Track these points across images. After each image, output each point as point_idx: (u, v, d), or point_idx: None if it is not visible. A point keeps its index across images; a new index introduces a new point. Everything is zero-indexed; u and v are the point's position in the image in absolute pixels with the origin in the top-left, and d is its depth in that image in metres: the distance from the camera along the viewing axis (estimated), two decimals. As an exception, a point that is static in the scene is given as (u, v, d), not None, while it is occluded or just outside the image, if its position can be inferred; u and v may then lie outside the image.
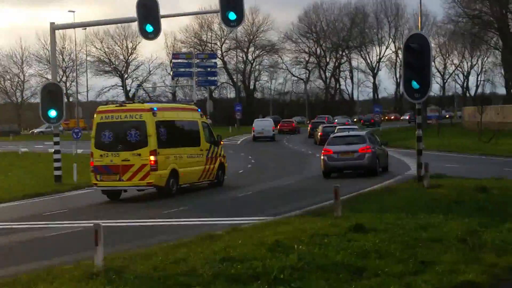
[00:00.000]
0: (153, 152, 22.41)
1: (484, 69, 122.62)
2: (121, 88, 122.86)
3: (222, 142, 27.89)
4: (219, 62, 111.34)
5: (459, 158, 38.38)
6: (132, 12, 20.10)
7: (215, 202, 22.13)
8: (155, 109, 23.12)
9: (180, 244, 12.90)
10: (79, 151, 48.43)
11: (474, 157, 39.35)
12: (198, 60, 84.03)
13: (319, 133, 55.48)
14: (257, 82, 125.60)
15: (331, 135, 32.99)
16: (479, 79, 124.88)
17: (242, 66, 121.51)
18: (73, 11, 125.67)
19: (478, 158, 38.60)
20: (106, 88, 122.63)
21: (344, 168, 28.44)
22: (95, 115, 23.45)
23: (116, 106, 23.48)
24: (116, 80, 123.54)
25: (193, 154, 24.94)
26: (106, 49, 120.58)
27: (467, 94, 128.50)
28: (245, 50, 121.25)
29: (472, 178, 23.52)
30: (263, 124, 67.79)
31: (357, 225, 13.29)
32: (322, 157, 28.20)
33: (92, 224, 11.18)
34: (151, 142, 22.45)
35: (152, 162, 22.35)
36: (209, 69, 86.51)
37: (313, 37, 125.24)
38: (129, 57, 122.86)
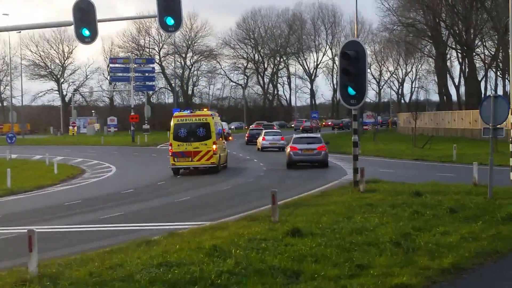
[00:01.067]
0: (214, 143, 33.69)
1: (418, 76, 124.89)
2: (57, 92, 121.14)
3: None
4: (157, 67, 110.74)
5: (395, 163, 39.00)
6: (68, 16, 19.83)
7: (152, 207, 21.97)
8: (213, 114, 35.77)
9: (116, 249, 12.77)
10: (13, 156, 47.48)
11: (409, 162, 40.05)
12: (135, 65, 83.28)
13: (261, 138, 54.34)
14: (195, 88, 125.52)
15: (295, 136, 38.00)
16: (413, 86, 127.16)
17: (180, 71, 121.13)
18: (7, 14, 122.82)
19: (413, 163, 39.29)
20: (41, 92, 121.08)
21: (305, 161, 35.42)
22: (172, 119, 34.64)
23: (187, 113, 35.78)
24: (52, 84, 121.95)
25: (222, 145, 36.55)
26: (42, 53, 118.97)
27: (402, 101, 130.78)
28: (183, 55, 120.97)
29: (407, 183, 23.92)
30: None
31: (294, 230, 13.38)
32: (288, 152, 35.33)
33: (26, 230, 10.98)
34: (213, 136, 33.73)
35: (214, 149, 33.68)
36: (147, 74, 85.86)
37: (251, 43, 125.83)
38: (66, 61, 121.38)
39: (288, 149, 35.48)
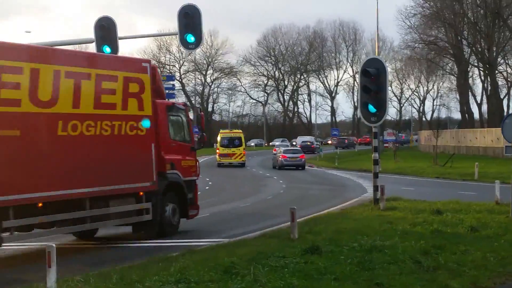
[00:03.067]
0: (244, 149, 57.03)
1: (439, 94, 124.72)
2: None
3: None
4: (177, 84, 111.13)
5: (416, 181, 38.83)
6: (90, 33, 20.04)
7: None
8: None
9: (135, 266, 12.79)
10: None
11: (430, 180, 39.85)
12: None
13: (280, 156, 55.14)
14: (215, 105, 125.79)
15: (283, 148, 57.59)
16: (434, 103, 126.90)
17: (201, 88, 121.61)
18: (29, 32, 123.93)
19: (434, 181, 39.10)
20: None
21: (291, 165, 51.95)
22: (219, 134, 59.34)
23: (228, 131, 59.39)
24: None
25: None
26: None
27: (423, 118, 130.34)
28: (204, 72, 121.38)
29: (428, 201, 23.79)
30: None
31: (313, 247, 13.34)
32: (280, 159, 52.78)
33: (45, 245, 11.03)
34: (243, 144, 57.07)
35: (243, 153, 56.69)
36: (167, 91, 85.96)
37: (272, 60, 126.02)
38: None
39: (280, 157, 52.88)
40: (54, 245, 10.89)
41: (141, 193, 17.44)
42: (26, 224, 14.81)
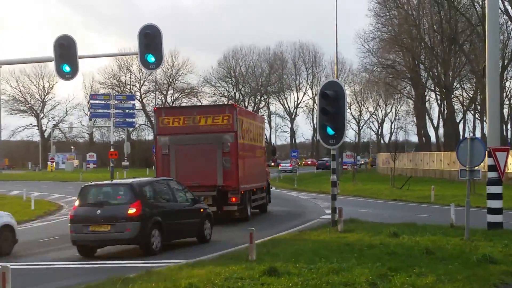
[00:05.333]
0: None
1: (397, 117, 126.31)
2: (36, 127, 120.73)
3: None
4: (137, 104, 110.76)
5: (373, 203, 39.13)
6: (50, 51, 19.91)
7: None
8: None
9: (92, 286, 12.66)
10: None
11: (387, 202, 40.19)
12: (116, 102, 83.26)
13: None
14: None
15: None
16: (392, 126, 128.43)
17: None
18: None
19: (391, 203, 39.44)
20: (20, 127, 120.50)
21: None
22: None
23: None
24: (32, 119, 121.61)
25: None
26: (22, 88, 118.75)
27: (382, 141, 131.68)
28: (164, 92, 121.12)
29: (385, 223, 23.99)
30: None
31: (271, 269, 13.36)
32: None
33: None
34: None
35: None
36: (127, 110, 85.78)
37: (232, 81, 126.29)
38: (46, 97, 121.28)
39: None
40: (9, 265, 10.72)
41: (264, 187, 32.74)
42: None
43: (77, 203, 19.10)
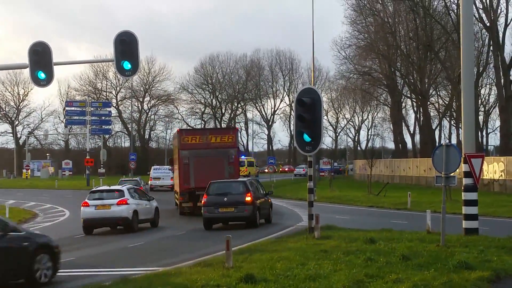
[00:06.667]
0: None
1: (374, 124, 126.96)
2: (11, 134, 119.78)
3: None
4: (113, 111, 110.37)
5: (350, 210, 39.24)
6: (25, 58, 19.73)
7: (105, 252, 21.71)
8: None
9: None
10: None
11: (364, 209, 40.34)
12: (92, 109, 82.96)
13: None
14: (152, 132, 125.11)
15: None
16: (369, 133, 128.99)
17: (137, 115, 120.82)
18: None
19: (368, 210, 39.58)
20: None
21: None
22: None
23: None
24: (6, 126, 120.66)
25: None
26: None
27: (358, 148, 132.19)
28: (141, 99, 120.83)
29: (362, 229, 24.06)
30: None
31: (247, 276, 13.35)
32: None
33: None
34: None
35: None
36: (103, 117, 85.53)
37: (209, 88, 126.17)
38: (21, 104, 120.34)
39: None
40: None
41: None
42: None
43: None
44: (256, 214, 28.09)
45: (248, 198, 27.90)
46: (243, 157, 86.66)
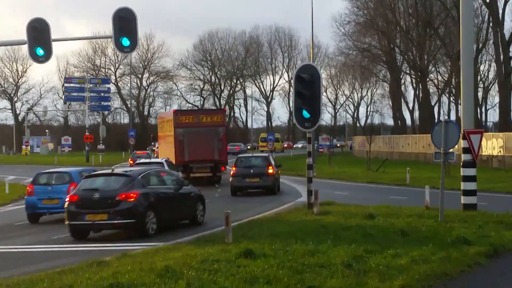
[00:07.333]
0: None
1: (373, 100, 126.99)
2: (10, 111, 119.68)
3: None
4: (112, 88, 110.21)
5: (349, 186, 39.30)
6: (23, 34, 19.68)
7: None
8: None
9: (67, 270, 12.63)
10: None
11: (363, 185, 40.38)
12: (91, 85, 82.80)
13: None
14: (151, 108, 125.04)
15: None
16: (368, 109, 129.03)
17: (136, 92, 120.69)
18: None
19: (367, 186, 39.63)
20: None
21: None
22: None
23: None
24: (5, 103, 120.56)
25: None
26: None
27: (358, 124, 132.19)
28: (140, 76, 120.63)
29: (360, 205, 24.12)
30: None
31: (247, 251, 13.40)
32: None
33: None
34: None
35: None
36: (102, 94, 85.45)
37: (208, 65, 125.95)
38: (19, 80, 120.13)
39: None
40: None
41: None
42: None
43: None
44: (275, 183, 33.06)
45: (270, 170, 32.77)
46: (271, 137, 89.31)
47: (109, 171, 20.49)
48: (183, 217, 20.83)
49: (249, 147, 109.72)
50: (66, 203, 18.87)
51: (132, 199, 18.22)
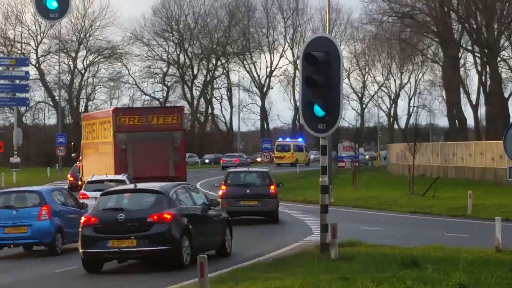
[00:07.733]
0: None
1: (418, 91, 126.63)
2: None
3: None
4: (33, 72, 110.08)
5: (383, 218, 39.33)
6: None
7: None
8: None
9: None
10: None
11: (403, 216, 40.43)
12: (1, 68, 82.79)
13: None
14: (90, 102, 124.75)
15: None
16: (411, 104, 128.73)
17: (68, 79, 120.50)
18: None
19: (409, 217, 39.69)
20: None
21: None
22: None
23: None
24: None
25: None
26: None
27: (395, 126, 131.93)
28: (73, 54, 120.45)
29: (399, 246, 24.12)
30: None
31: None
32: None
33: None
34: None
35: None
36: (17, 81, 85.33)
37: (174, 38, 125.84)
38: None
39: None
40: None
41: None
42: None
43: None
44: (278, 209, 35.02)
45: (272, 191, 34.53)
46: (288, 139, 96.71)
47: (131, 186, 22.90)
48: (213, 245, 22.98)
49: (258, 159, 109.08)
50: (81, 226, 20.61)
51: (167, 221, 20.02)
